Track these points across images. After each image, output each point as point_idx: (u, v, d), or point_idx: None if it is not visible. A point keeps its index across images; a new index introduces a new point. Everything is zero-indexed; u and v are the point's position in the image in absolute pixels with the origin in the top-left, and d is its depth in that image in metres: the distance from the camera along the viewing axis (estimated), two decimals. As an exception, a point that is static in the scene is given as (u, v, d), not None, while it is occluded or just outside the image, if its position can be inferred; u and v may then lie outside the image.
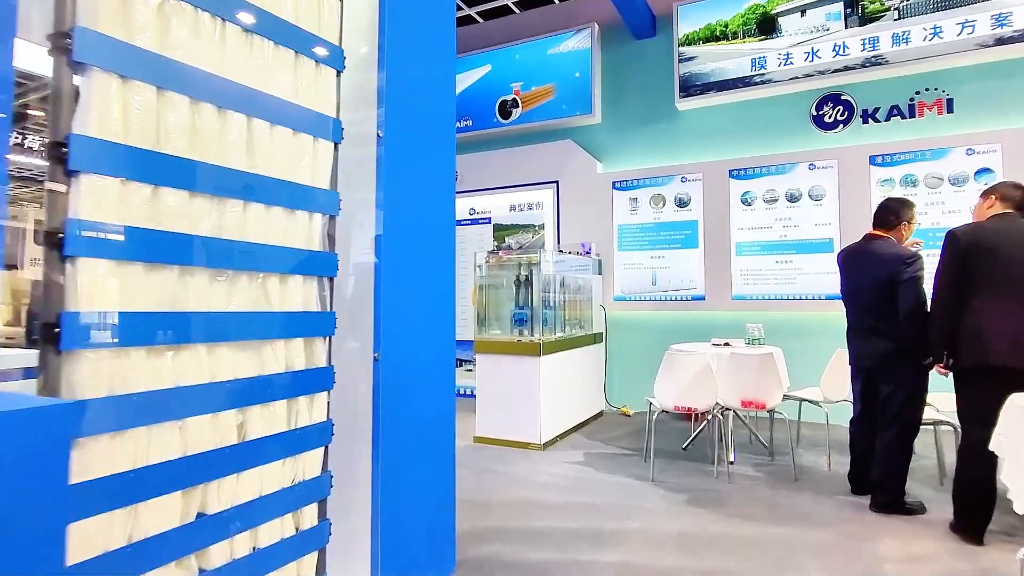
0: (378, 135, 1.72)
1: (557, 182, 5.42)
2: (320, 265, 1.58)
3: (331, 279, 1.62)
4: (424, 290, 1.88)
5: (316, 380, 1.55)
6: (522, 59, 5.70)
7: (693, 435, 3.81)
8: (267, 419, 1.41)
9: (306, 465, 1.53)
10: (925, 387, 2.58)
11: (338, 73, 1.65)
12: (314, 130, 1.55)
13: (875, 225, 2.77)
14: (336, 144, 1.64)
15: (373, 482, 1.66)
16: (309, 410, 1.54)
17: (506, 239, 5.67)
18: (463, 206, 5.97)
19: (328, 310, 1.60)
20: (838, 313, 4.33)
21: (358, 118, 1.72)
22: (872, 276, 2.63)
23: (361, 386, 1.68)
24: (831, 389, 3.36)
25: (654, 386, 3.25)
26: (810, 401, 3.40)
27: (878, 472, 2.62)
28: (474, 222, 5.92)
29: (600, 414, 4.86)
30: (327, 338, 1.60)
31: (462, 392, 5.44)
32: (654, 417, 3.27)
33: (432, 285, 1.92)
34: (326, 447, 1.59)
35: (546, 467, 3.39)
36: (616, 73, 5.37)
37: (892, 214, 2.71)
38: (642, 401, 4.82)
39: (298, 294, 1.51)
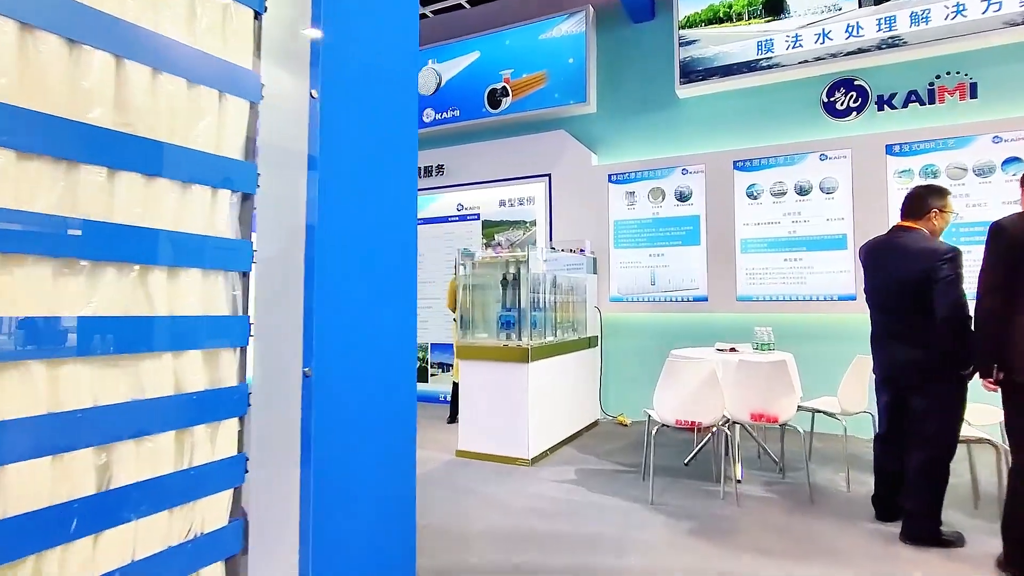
0: (311, 96, 1.38)
1: (549, 175, 5.09)
2: (227, 256, 1.23)
3: (244, 274, 1.28)
4: (373, 289, 1.53)
5: (221, 403, 1.21)
6: (512, 45, 5.37)
7: (696, 449, 3.47)
8: (145, 458, 1.07)
9: (207, 514, 1.18)
10: (963, 402, 2.25)
11: (257, 15, 1.31)
12: (220, 83, 1.21)
13: (904, 215, 2.44)
14: (253, 105, 1.30)
15: (302, 531, 1.32)
16: (211, 442, 1.20)
17: (495, 236, 5.34)
18: (450, 201, 5.64)
19: (240, 313, 1.26)
20: (853, 315, 4.04)
21: (286, 73, 1.38)
22: (902, 274, 2.30)
23: (288, 409, 1.34)
24: (849, 400, 3.02)
25: (654, 397, 2.91)
26: (826, 413, 3.06)
27: (910, 499, 2.29)
28: (462, 218, 5.59)
29: (595, 424, 4.52)
30: (238, 349, 1.26)
31: (446, 399, 5.08)
32: (653, 432, 2.93)
33: (384, 283, 1.58)
34: (237, 489, 1.25)
35: (533, 487, 3.05)
36: (612, 59, 5.05)
37: (921, 201, 2.38)
38: (640, 409, 4.49)
39: (193, 292, 1.17)
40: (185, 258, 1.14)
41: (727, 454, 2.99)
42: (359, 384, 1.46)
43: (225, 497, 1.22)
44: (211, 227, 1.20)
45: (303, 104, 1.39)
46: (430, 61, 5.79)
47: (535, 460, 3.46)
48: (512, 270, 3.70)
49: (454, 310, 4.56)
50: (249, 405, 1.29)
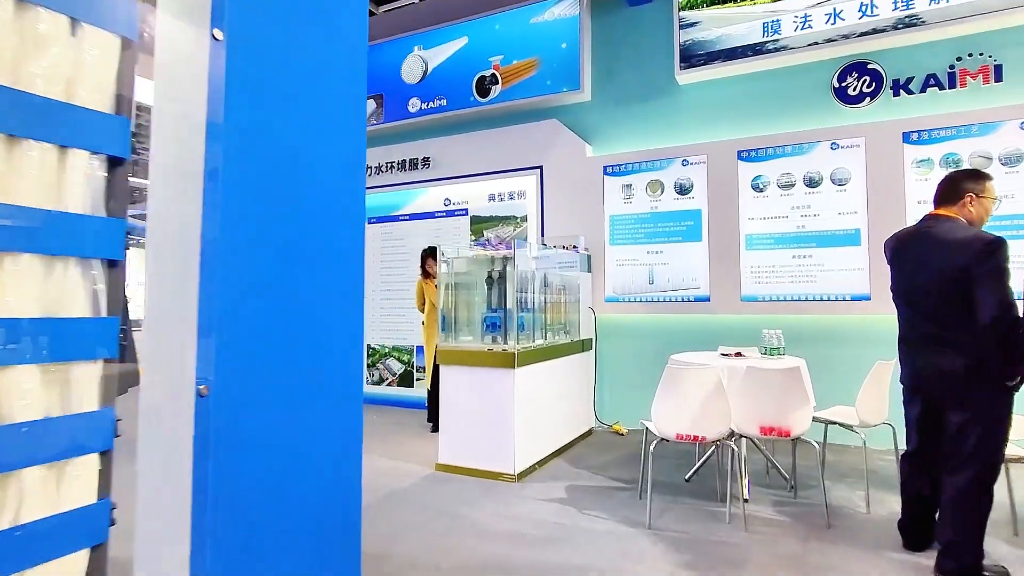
0: (213, 37, 1.08)
1: (541, 168, 4.79)
2: (84, 238, 0.93)
3: (112, 263, 0.97)
4: (300, 283, 1.23)
5: (70, 436, 0.90)
6: (502, 30, 5.07)
7: (698, 464, 3.17)
8: (-63, 517, 0.76)
9: (46, 586, 0.88)
10: (1009, 417, 1.95)
11: (133, -77, 1.01)
12: (71, 7, 0.91)
13: (937, 202, 2.14)
14: (127, 42, 1.00)
15: (194, 596, 1.01)
16: (55, 488, 0.89)
17: (484, 232, 5.04)
18: (437, 196, 5.34)
19: (105, 314, 0.96)
20: (867, 317, 3.73)
21: (177, 3, 1.08)
22: (937, 268, 2.00)
23: (176, 440, 1.03)
24: (869, 411, 2.73)
25: (652, 408, 2.61)
26: (843, 425, 2.77)
27: (946, 529, 1.99)
28: (449, 214, 5.29)
29: (589, 433, 4.22)
30: (101, 362, 0.96)
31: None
32: (651, 447, 2.63)
33: (315, 276, 1.27)
34: (97, 547, 0.94)
35: (518, 507, 2.74)
36: (608, 43, 4.75)
37: (954, 185, 2.09)
38: (637, 417, 4.19)
39: (26, 286, 0.86)
40: (10, 240, 0.84)
41: (733, 469, 2.69)
42: (277, 404, 1.15)
43: (77, 561, 0.92)
44: (57, 199, 0.90)
45: (202, 47, 1.09)
46: (416, 48, 5.50)
47: (522, 475, 3.15)
48: (498, 268, 3.40)
49: (423, 310, 4.25)
50: (118, 435, 0.99)
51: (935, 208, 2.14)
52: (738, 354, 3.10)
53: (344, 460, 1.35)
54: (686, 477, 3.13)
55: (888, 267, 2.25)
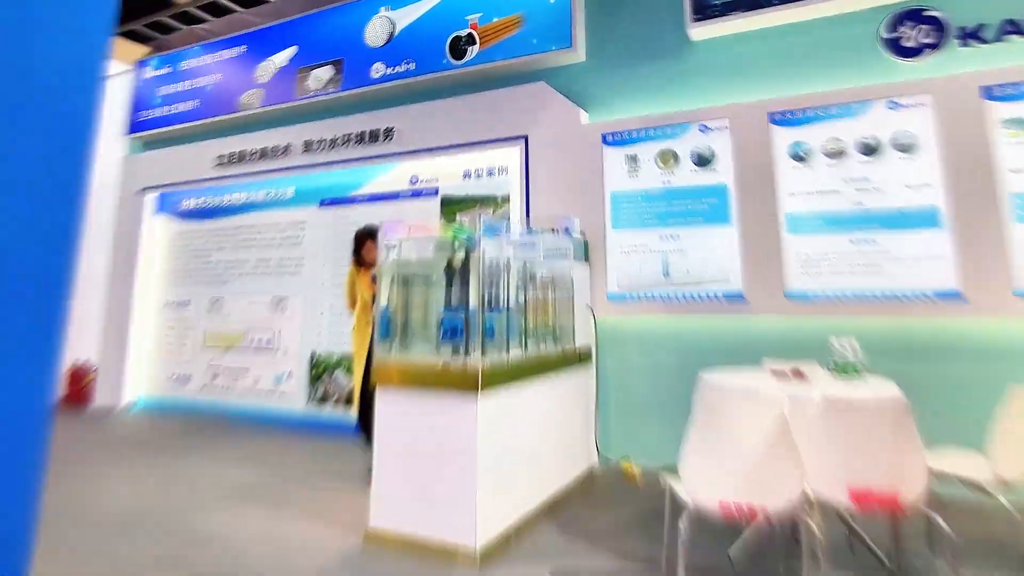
0: None
1: (526, 138, 3.92)
2: None
3: None
4: None
5: None
6: (481, -21, 4.23)
7: (748, 531, 2.22)
8: None
9: None
10: None
11: None
12: None
13: None
14: None
15: None
16: None
17: (458, 216, 4.13)
18: (402, 174, 4.46)
19: None
20: (966, 321, 2.73)
21: None
22: None
23: None
24: (1011, 462, 1.81)
25: (680, 460, 1.68)
26: (969, 483, 1.84)
27: None
28: (416, 194, 4.40)
29: (589, 475, 3.24)
30: None
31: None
32: (681, 521, 1.68)
33: None
34: None
35: (476, 611, 1.78)
36: (607, -11, 3.91)
37: None
38: (653, 452, 3.24)
39: None
40: None
41: (809, 548, 1.75)
42: None
43: None
44: None
45: None
46: (382, 8, 4.67)
47: (487, 553, 2.17)
48: (460, 255, 2.48)
49: (353, 311, 3.20)
50: None
51: None
52: (797, 372, 2.18)
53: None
54: (729, 551, 2.18)
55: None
